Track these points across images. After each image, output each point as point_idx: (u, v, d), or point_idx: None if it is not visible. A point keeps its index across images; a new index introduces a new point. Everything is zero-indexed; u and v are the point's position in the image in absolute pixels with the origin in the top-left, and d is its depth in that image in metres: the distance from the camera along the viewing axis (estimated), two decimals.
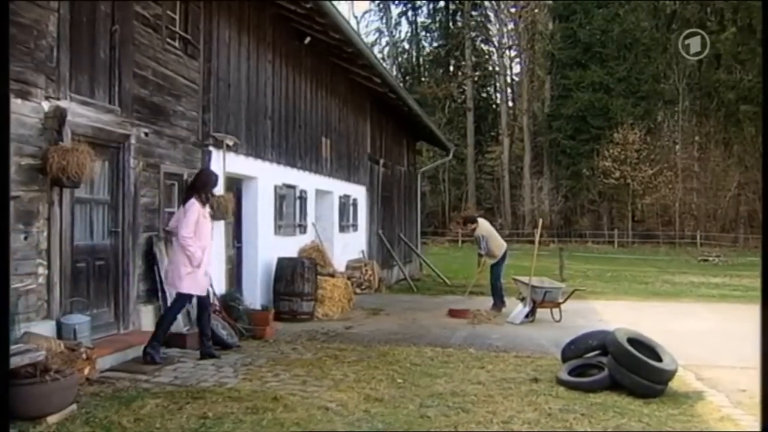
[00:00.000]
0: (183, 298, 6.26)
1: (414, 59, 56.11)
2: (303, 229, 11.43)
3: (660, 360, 5.77)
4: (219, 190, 8.23)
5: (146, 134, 6.64)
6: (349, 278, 14.23)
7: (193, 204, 6.21)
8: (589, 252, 36.00)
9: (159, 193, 6.92)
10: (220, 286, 8.10)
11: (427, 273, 19.35)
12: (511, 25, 47.87)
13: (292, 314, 9.46)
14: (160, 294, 6.71)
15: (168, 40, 7.07)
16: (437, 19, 54.63)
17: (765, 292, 2.47)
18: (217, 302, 7.52)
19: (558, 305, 10.25)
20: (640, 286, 18.69)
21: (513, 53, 49.71)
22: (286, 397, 4.84)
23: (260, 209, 9.58)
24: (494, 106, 50.93)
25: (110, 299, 6.19)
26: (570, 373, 5.99)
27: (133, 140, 6.37)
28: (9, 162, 5.80)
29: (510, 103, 51.03)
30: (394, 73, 52.36)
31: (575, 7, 40.52)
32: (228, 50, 8.41)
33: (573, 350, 6.26)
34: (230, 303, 7.65)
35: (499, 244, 11.17)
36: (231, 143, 8.29)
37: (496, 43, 49.33)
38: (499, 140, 47.90)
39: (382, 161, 17.36)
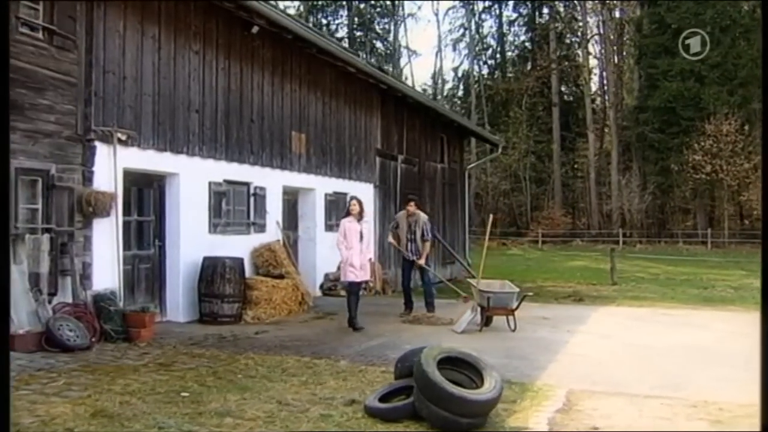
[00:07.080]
0: (350, 285, 9.02)
1: (499, 55, 54.34)
2: (260, 227, 10.98)
3: (482, 386, 4.76)
4: (110, 186, 7.98)
5: None
6: (335, 280, 13.67)
7: (341, 222, 9.28)
8: (677, 254, 33.03)
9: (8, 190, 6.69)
10: (109, 285, 7.81)
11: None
12: (596, 16, 45.11)
13: (212, 317, 9.02)
14: None
15: (23, 31, 6.85)
16: (523, 12, 52.59)
17: (765, 292, 2.50)
18: (81, 301, 7.23)
19: (511, 312, 9.15)
20: (695, 290, 16.72)
21: (599, 44, 46.80)
22: None
23: (184, 206, 9.23)
24: (581, 99, 48.16)
25: None
26: (386, 396, 5.09)
27: None
28: (9, 162, 5.90)
29: (597, 97, 48.12)
30: (477, 69, 51.01)
31: None
32: (122, 42, 8.10)
33: (400, 369, 5.32)
34: (101, 303, 7.31)
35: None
36: (123, 137, 7.99)
37: (580, 34, 46.66)
38: (586, 136, 45.27)
39: (401, 157, 16.61)
